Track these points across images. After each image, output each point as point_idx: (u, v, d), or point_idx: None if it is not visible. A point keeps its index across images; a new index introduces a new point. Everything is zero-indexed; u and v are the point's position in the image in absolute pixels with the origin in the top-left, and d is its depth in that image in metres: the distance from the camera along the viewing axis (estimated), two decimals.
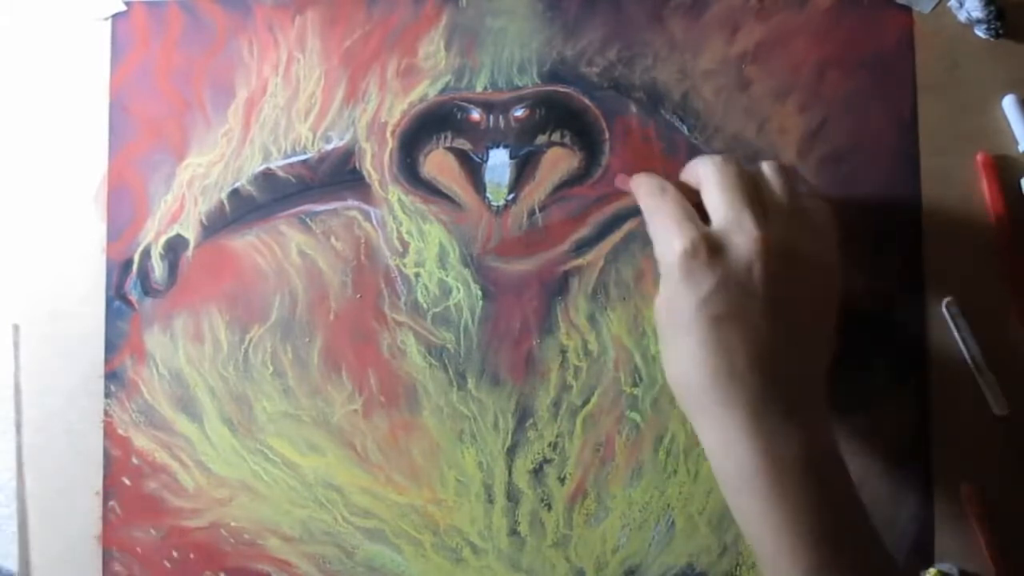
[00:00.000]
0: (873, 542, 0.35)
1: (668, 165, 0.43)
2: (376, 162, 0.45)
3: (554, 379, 0.44)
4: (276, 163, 0.45)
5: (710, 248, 0.36)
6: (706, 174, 0.38)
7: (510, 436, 0.44)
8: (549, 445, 0.44)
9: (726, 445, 0.35)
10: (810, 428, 0.35)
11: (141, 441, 0.45)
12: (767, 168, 0.38)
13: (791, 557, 0.34)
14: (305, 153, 0.45)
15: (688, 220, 0.37)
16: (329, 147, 0.45)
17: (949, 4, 0.44)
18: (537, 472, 0.44)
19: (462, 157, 0.45)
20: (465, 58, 0.45)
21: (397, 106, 0.45)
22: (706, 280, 0.35)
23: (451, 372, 0.44)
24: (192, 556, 0.44)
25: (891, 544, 0.42)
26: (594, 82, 0.44)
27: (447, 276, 0.44)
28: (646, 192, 0.39)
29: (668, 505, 0.43)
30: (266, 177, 0.45)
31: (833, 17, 0.44)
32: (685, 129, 0.44)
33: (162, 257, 0.45)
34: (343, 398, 0.44)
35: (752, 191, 0.37)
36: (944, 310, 0.43)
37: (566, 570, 0.44)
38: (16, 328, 0.45)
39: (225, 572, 0.44)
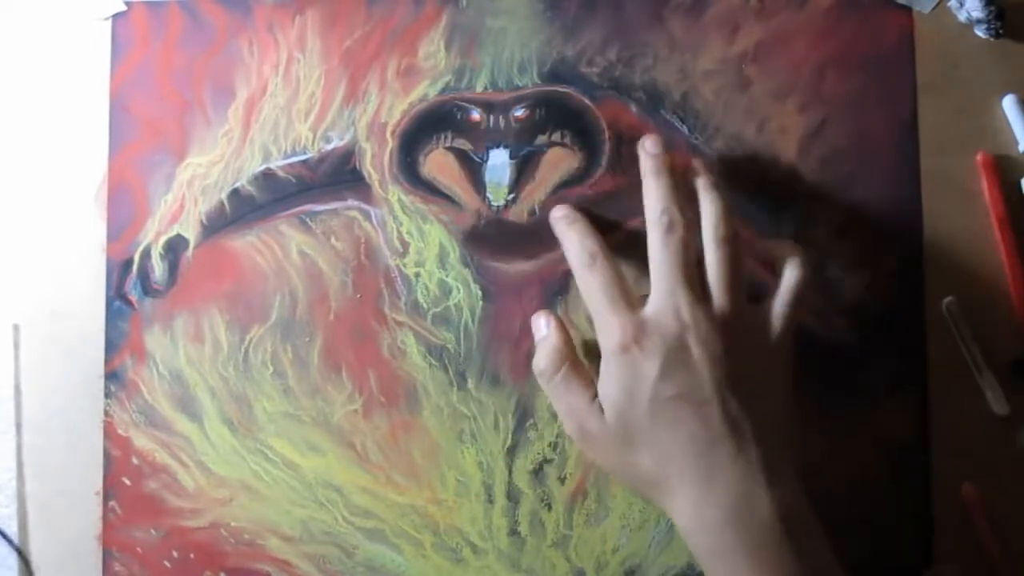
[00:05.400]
0: None
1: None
2: (376, 162, 0.45)
3: None
4: (276, 163, 0.45)
5: (646, 334, 0.36)
6: (652, 246, 0.38)
7: (510, 436, 0.44)
8: (549, 445, 0.44)
9: (700, 521, 0.36)
10: (780, 490, 0.35)
11: (141, 441, 0.45)
12: (712, 238, 0.38)
13: None
14: (305, 153, 0.45)
15: (620, 301, 0.37)
16: (329, 147, 0.45)
17: (949, 4, 0.44)
18: (537, 472, 0.44)
19: (462, 157, 0.45)
20: (465, 58, 0.45)
21: (397, 106, 0.45)
22: (651, 367, 0.36)
23: (451, 372, 0.44)
24: (192, 556, 0.44)
25: (892, 544, 0.42)
26: (594, 82, 0.44)
27: (447, 276, 0.44)
28: (576, 261, 0.40)
29: None
30: (266, 177, 0.45)
31: (833, 17, 0.44)
32: (685, 129, 0.44)
33: (162, 257, 0.45)
34: (343, 398, 0.44)
35: (691, 267, 0.37)
36: (944, 310, 0.43)
37: (566, 570, 0.44)
38: (16, 328, 0.45)
39: (225, 572, 0.44)
